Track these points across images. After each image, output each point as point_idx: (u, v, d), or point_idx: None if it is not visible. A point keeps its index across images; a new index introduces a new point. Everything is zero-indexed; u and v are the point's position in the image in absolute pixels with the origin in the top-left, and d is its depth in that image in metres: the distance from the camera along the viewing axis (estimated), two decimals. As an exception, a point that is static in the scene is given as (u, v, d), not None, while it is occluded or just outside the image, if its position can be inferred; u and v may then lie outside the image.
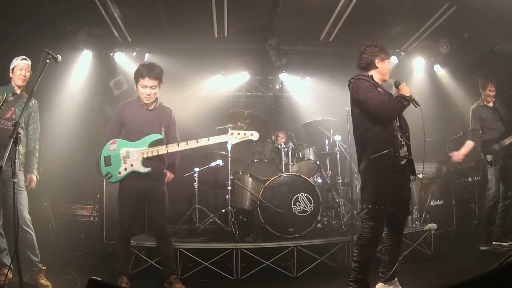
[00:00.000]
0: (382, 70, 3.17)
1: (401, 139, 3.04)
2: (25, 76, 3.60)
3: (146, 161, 3.47)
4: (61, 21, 5.20)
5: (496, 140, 4.66)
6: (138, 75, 3.55)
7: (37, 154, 3.75)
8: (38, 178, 3.77)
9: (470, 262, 4.11)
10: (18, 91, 3.63)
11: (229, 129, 3.60)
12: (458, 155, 4.78)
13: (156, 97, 3.67)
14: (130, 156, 3.48)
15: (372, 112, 2.99)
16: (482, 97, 4.87)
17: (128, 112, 3.64)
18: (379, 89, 3.08)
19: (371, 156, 3.00)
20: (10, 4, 4.42)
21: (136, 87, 3.61)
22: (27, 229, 3.47)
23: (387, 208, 2.93)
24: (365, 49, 3.19)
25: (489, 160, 4.66)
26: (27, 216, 3.50)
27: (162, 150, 3.47)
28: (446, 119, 6.67)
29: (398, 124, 3.07)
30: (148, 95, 3.54)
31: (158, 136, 3.54)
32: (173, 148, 3.48)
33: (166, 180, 3.74)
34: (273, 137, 5.91)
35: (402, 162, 3.03)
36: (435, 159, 6.02)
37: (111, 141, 3.55)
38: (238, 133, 3.50)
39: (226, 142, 4.40)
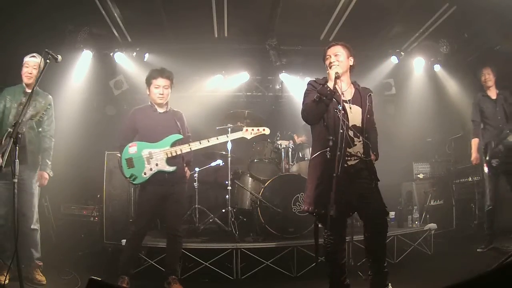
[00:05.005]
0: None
1: (354, 138, 2.88)
2: (31, 73, 3.53)
3: (169, 160, 3.53)
4: (61, 21, 5.19)
5: (498, 139, 4.28)
6: (150, 77, 3.66)
7: (51, 152, 3.72)
8: (51, 175, 3.72)
9: (470, 262, 4.11)
10: (28, 90, 3.53)
11: (244, 126, 3.83)
12: (474, 158, 4.54)
13: (167, 101, 3.73)
14: (153, 157, 3.52)
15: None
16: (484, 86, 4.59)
17: (142, 117, 3.68)
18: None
19: (311, 157, 3.01)
20: (10, 4, 4.42)
21: (149, 91, 3.68)
22: (35, 227, 3.54)
23: (326, 211, 2.63)
24: None
25: (494, 165, 4.25)
26: (36, 216, 3.56)
27: (185, 148, 3.56)
28: (446, 119, 6.66)
29: (350, 124, 2.87)
30: (161, 94, 3.63)
31: (179, 136, 3.63)
32: (195, 145, 3.58)
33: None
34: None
35: (350, 162, 2.86)
36: (435, 159, 6.02)
37: (130, 144, 3.58)
38: (252, 129, 3.75)
39: (226, 142, 4.49)
